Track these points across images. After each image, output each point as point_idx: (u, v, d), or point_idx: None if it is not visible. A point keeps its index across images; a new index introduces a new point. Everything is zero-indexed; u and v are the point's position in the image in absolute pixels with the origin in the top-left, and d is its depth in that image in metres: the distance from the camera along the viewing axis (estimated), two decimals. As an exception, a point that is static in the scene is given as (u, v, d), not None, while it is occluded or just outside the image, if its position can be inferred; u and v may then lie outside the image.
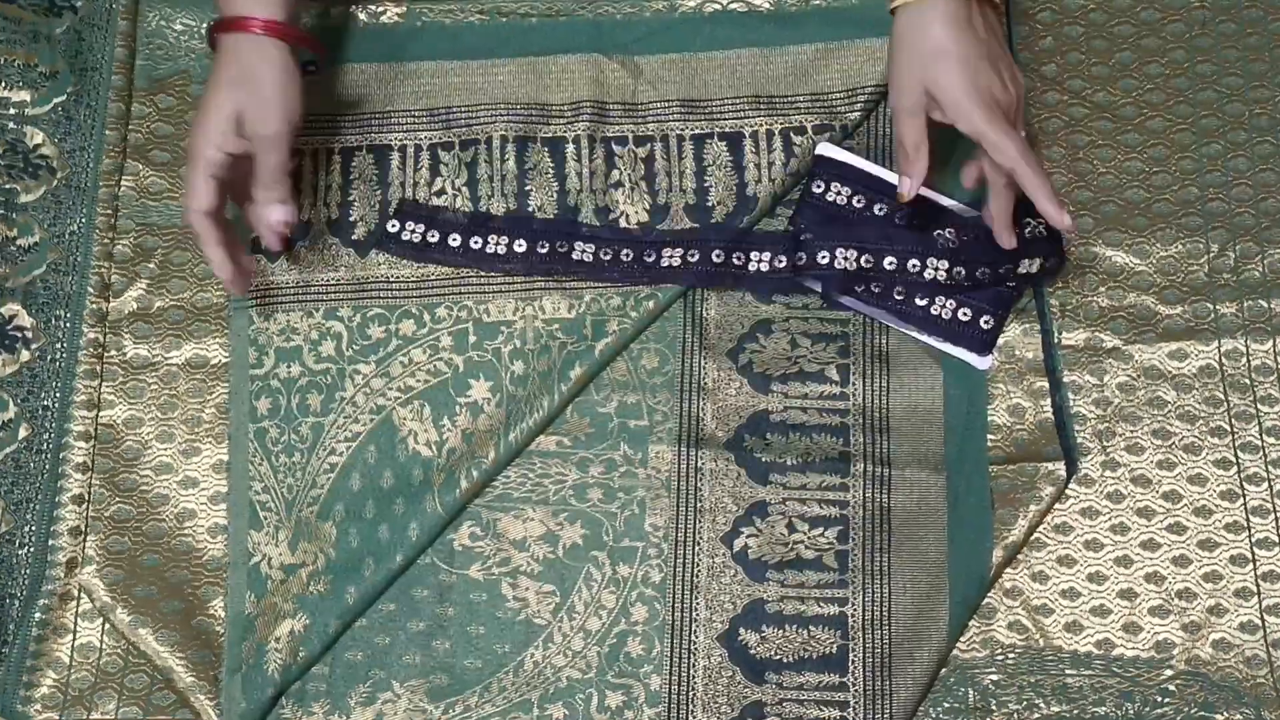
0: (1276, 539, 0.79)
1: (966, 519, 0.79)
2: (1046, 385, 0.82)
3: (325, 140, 0.85)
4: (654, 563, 0.79)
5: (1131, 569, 0.79)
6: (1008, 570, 0.79)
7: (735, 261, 0.82)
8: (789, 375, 0.82)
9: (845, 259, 0.81)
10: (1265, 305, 0.83)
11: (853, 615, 0.78)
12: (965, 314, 0.82)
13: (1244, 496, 0.80)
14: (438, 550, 0.79)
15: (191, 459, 0.81)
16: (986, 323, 0.82)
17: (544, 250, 0.83)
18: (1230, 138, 0.86)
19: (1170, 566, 0.79)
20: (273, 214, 0.78)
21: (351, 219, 0.84)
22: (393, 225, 0.84)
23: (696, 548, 0.80)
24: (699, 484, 0.81)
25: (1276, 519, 0.79)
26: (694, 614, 0.78)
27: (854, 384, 0.82)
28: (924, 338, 0.82)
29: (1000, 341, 0.83)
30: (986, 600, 0.79)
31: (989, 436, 0.81)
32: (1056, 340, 0.83)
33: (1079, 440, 0.81)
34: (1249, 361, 0.82)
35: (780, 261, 0.82)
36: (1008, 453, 0.81)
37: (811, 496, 0.80)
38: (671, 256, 0.82)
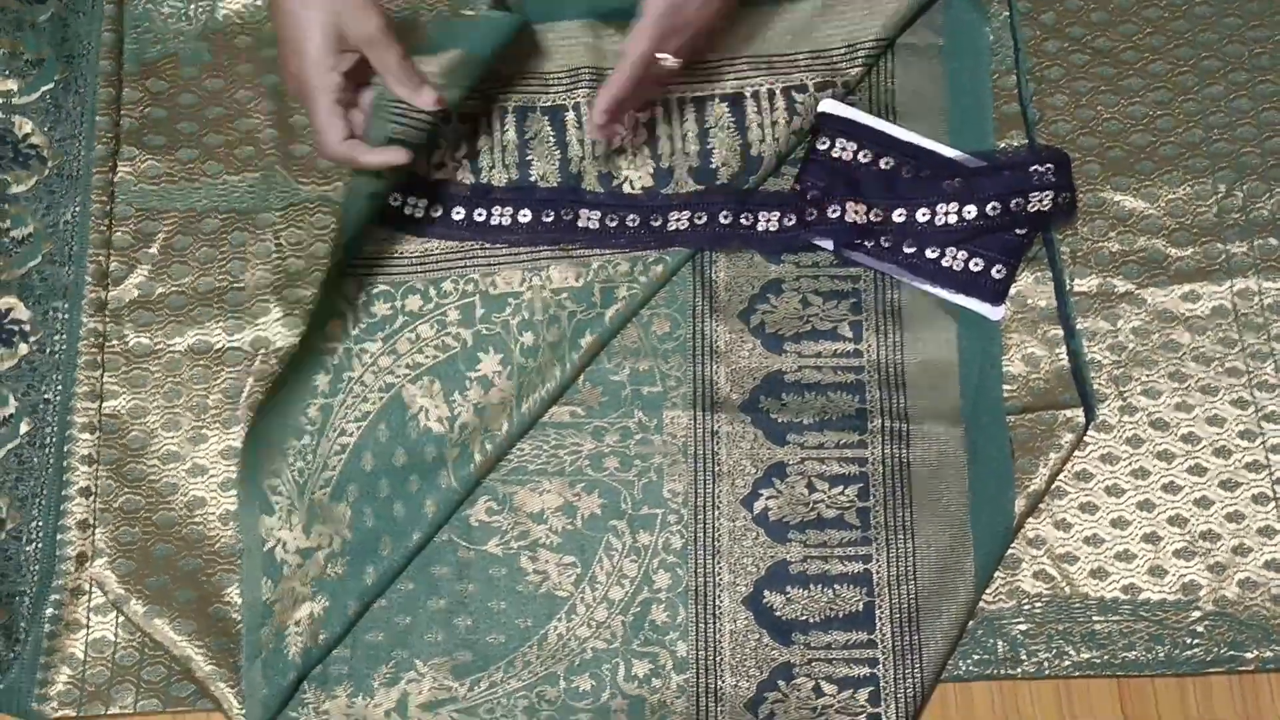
0: (1297, 476, 0.79)
1: (987, 470, 0.78)
2: (1060, 333, 0.81)
3: None
4: (674, 529, 0.78)
5: (1154, 513, 0.78)
6: (1030, 519, 0.79)
7: (744, 221, 0.81)
8: (801, 334, 0.81)
9: (855, 212, 0.80)
10: (1275, 243, 0.82)
11: (877, 572, 0.77)
12: (977, 264, 0.81)
13: (1263, 435, 0.79)
14: (455, 527, 0.78)
15: (199, 446, 0.80)
16: (998, 272, 0.81)
17: (549, 219, 0.82)
18: (1232, 78, 0.86)
19: (1193, 508, 0.78)
20: (423, 100, 0.74)
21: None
22: (394, 200, 0.83)
23: (716, 512, 0.79)
24: (716, 448, 0.80)
25: (1296, 456, 0.79)
26: (717, 578, 0.78)
27: (867, 340, 0.81)
28: (936, 290, 0.81)
29: (1012, 291, 0.82)
30: (1011, 550, 0.78)
31: (1005, 386, 0.80)
32: (1069, 287, 0.82)
33: (1095, 386, 0.81)
34: (1261, 300, 0.82)
35: (790, 219, 0.81)
36: (1025, 402, 0.80)
37: (830, 455, 0.79)
38: (679, 220, 0.81)
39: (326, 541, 0.77)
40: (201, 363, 0.81)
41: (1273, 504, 0.78)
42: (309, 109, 0.73)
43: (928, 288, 0.82)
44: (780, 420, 0.80)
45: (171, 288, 0.82)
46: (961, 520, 0.77)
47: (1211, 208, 0.83)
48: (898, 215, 0.81)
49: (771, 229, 0.81)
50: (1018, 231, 0.81)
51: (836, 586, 0.77)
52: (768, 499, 0.79)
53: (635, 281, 0.80)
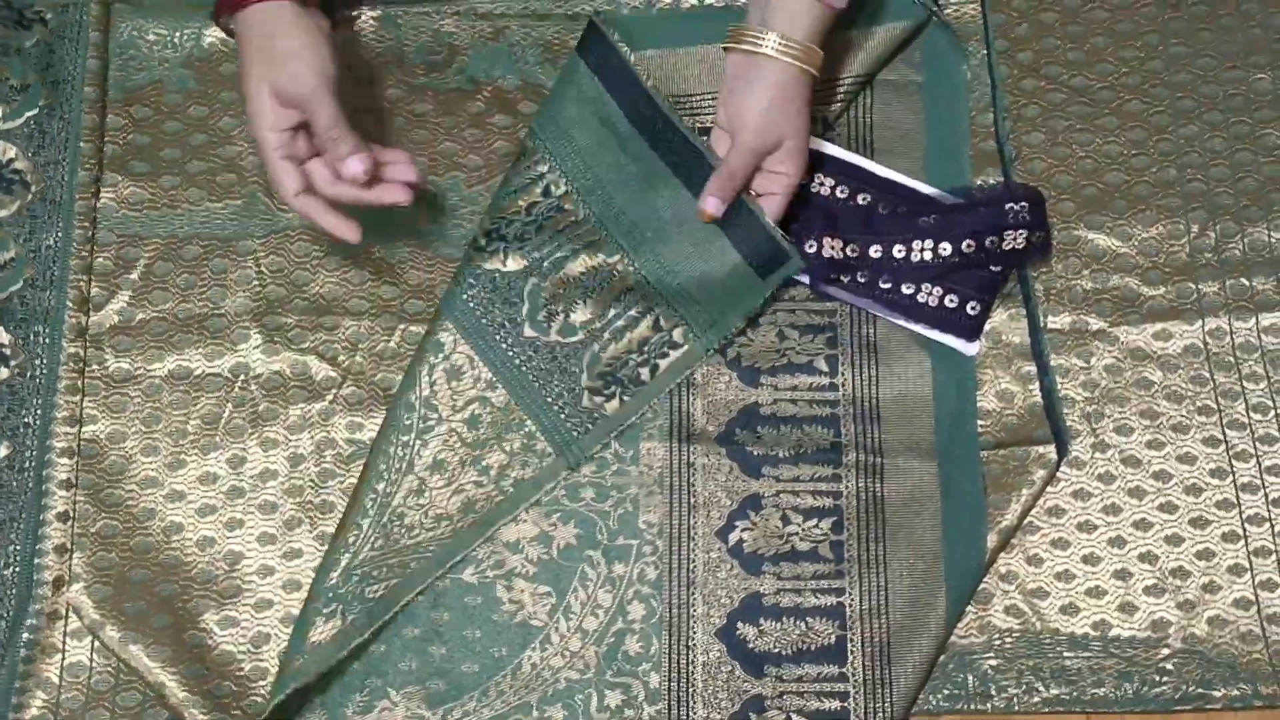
0: (1267, 514, 0.79)
1: (960, 505, 0.79)
2: (1034, 369, 0.82)
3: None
4: (649, 560, 0.79)
5: (1125, 549, 0.79)
6: (1002, 555, 0.79)
7: None
8: (778, 368, 0.82)
9: (832, 248, 0.81)
10: (1246, 283, 0.83)
11: (850, 605, 0.78)
12: (952, 300, 0.82)
13: (1233, 473, 0.80)
14: (431, 555, 0.79)
15: (177, 472, 0.80)
16: (973, 309, 0.82)
17: None
18: (1206, 119, 0.87)
19: (1163, 545, 0.79)
20: (347, 169, 0.75)
21: None
22: None
23: (691, 543, 0.79)
24: (692, 479, 0.80)
25: (1266, 495, 0.80)
26: (691, 610, 0.78)
27: (843, 374, 0.82)
28: (911, 325, 0.82)
29: (987, 327, 0.83)
30: (982, 585, 0.79)
31: (979, 422, 0.81)
32: (1042, 324, 0.83)
33: (1068, 423, 0.81)
34: (1233, 339, 0.83)
35: None
36: (998, 438, 0.81)
37: (804, 488, 0.80)
38: None
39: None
40: (181, 388, 0.81)
41: (1242, 542, 0.79)
42: (263, 163, 0.75)
43: (903, 323, 0.82)
44: (756, 453, 0.80)
45: (152, 314, 0.83)
46: (934, 555, 0.78)
47: (1184, 247, 0.84)
48: (874, 251, 0.82)
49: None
50: (993, 268, 0.82)
51: (809, 619, 0.77)
52: (742, 531, 0.79)
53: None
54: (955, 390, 0.82)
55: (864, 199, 0.84)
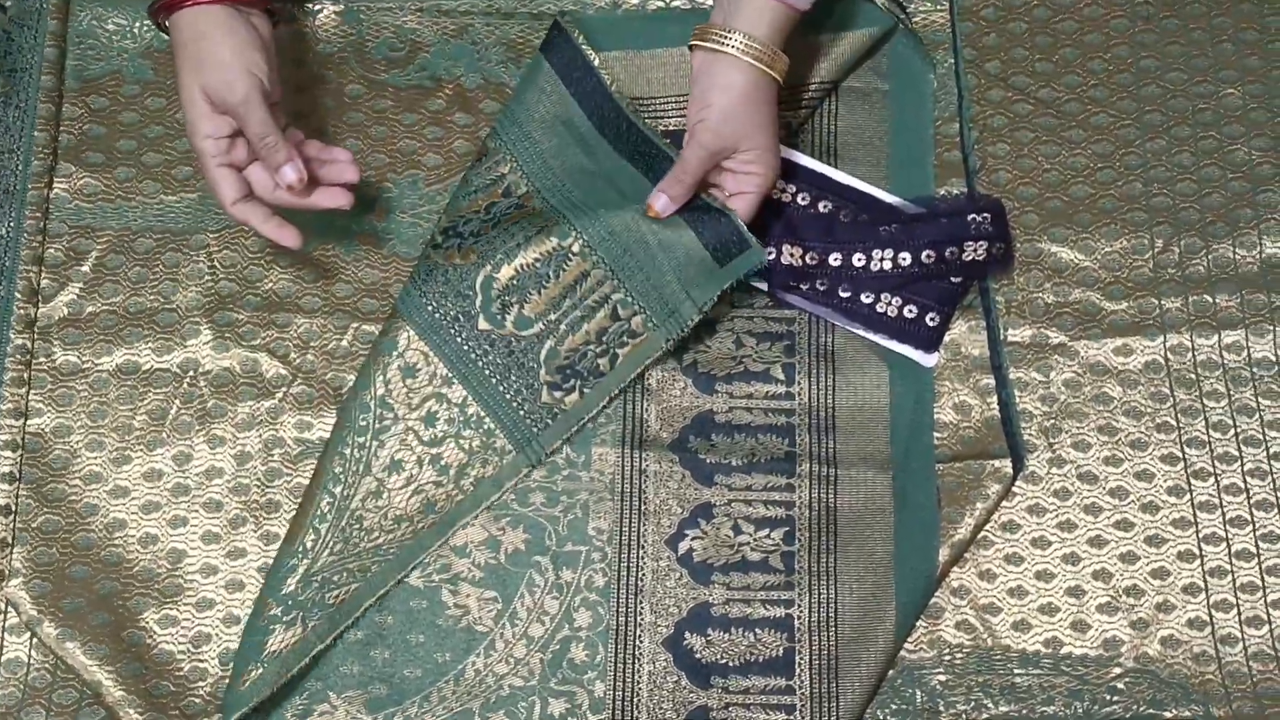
0: (1224, 534, 0.79)
1: (913, 518, 0.78)
2: (993, 382, 0.81)
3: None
4: (598, 567, 0.78)
5: (1079, 566, 0.78)
6: (955, 569, 0.78)
7: None
8: (734, 375, 0.81)
9: (791, 255, 0.80)
10: (1210, 300, 0.82)
11: (799, 618, 0.77)
12: (911, 311, 0.81)
13: (1191, 492, 0.79)
14: (376, 557, 0.78)
15: (122, 467, 0.79)
16: (932, 320, 0.81)
17: None
18: (1174, 133, 0.86)
19: (1118, 563, 0.78)
20: (283, 178, 0.74)
21: None
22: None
23: (641, 551, 0.78)
24: (643, 486, 0.79)
25: (1224, 514, 0.79)
26: (639, 618, 0.77)
27: (799, 383, 0.81)
28: (870, 335, 0.81)
29: (946, 339, 0.82)
30: (934, 600, 0.78)
31: (935, 434, 0.80)
32: (1002, 337, 0.82)
33: (1026, 437, 0.80)
34: (1194, 356, 0.82)
35: None
36: (954, 450, 0.80)
37: (757, 497, 0.79)
38: None
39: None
40: (129, 383, 0.80)
41: (1198, 561, 0.78)
42: (202, 170, 0.74)
43: (862, 332, 0.82)
44: (709, 461, 0.80)
45: (102, 306, 0.82)
46: (885, 568, 0.77)
47: (1148, 262, 0.83)
48: (833, 259, 0.81)
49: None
50: (953, 280, 0.81)
51: (757, 631, 0.77)
52: (693, 540, 0.78)
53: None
54: (913, 402, 0.81)
55: (825, 207, 0.83)
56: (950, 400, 0.81)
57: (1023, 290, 0.83)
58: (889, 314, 0.81)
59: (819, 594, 0.77)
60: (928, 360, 0.81)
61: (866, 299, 0.81)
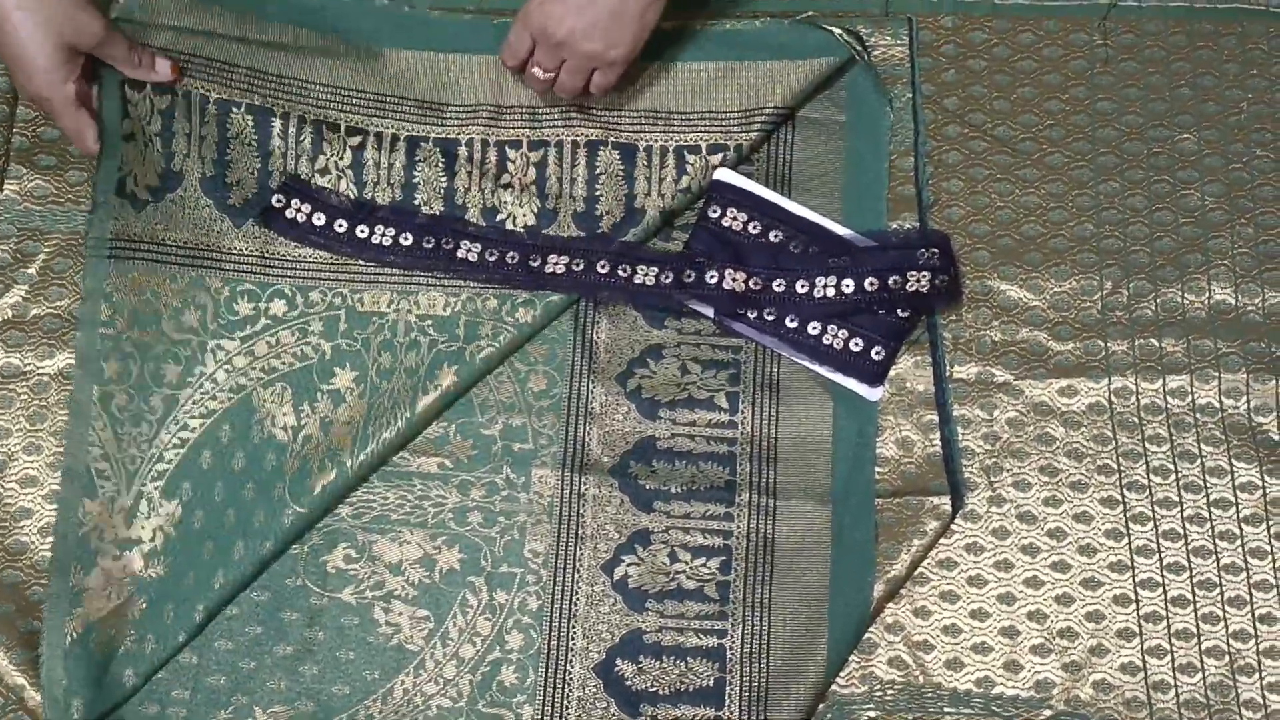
0: (1160, 580, 0.78)
1: (850, 552, 0.78)
2: (936, 418, 0.81)
3: (201, 85, 0.83)
4: (532, 589, 0.78)
5: (1014, 606, 0.78)
6: (889, 605, 0.78)
7: (620, 273, 0.81)
8: (678, 402, 0.81)
9: (734, 280, 0.80)
10: (1156, 344, 0.83)
11: (731, 648, 0.77)
12: (857, 344, 0.81)
13: (1129, 536, 0.79)
14: (309, 572, 0.77)
15: (58, 471, 0.78)
16: (878, 354, 0.81)
17: (429, 245, 0.82)
18: (1128, 176, 0.86)
19: (1053, 605, 0.78)
20: (160, 73, 0.80)
21: (228, 180, 0.83)
22: (277, 200, 0.83)
23: (576, 575, 0.78)
24: (581, 510, 0.79)
25: (1161, 559, 0.79)
26: (571, 643, 0.77)
27: (743, 412, 0.81)
28: (815, 367, 0.81)
29: (891, 373, 0.82)
30: (867, 635, 0.77)
31: (877, 469, 0.80)
32: (948, 373, 0.82)
33: (966, 475, 0.80)
34: (1138, 400, 0.82)
35: (667, 277, 0.81)
36: (894, 485, 0.80)
37: (695, 526, 0.79)
38: (556, 264, 0.81)
39: (149, 537, 0.76)
40: (70, 387, 0.80)
41: (1134, 606, 0.78)
42: (56, 120, 0.78)
43: (807, 363, 0.81)
44: (648, 487, 0.79)
45: (46, 309, 0.81)
46: (819, 601, 0.77)
47: (1096, 304, 0.83)
48: (777, 285, 0.81)
49: (648, 283, 0.81)
50: (900, 313, 0.81)
51: (689, 660, 0.76)
52: (629, 566, 0.78)
53: (501, 321, 0.80)
54: (855, 435, 0.81)
55: (776, 236, 0.83)
56: (893, 435, 0.81)
57: (970, 327, 0.83)
58: (835, 346, 0.81)
59: (752, 625, 0.77)
60: (872, 394, 0.81)
61: (813, 330, 0.81)
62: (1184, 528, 0.79)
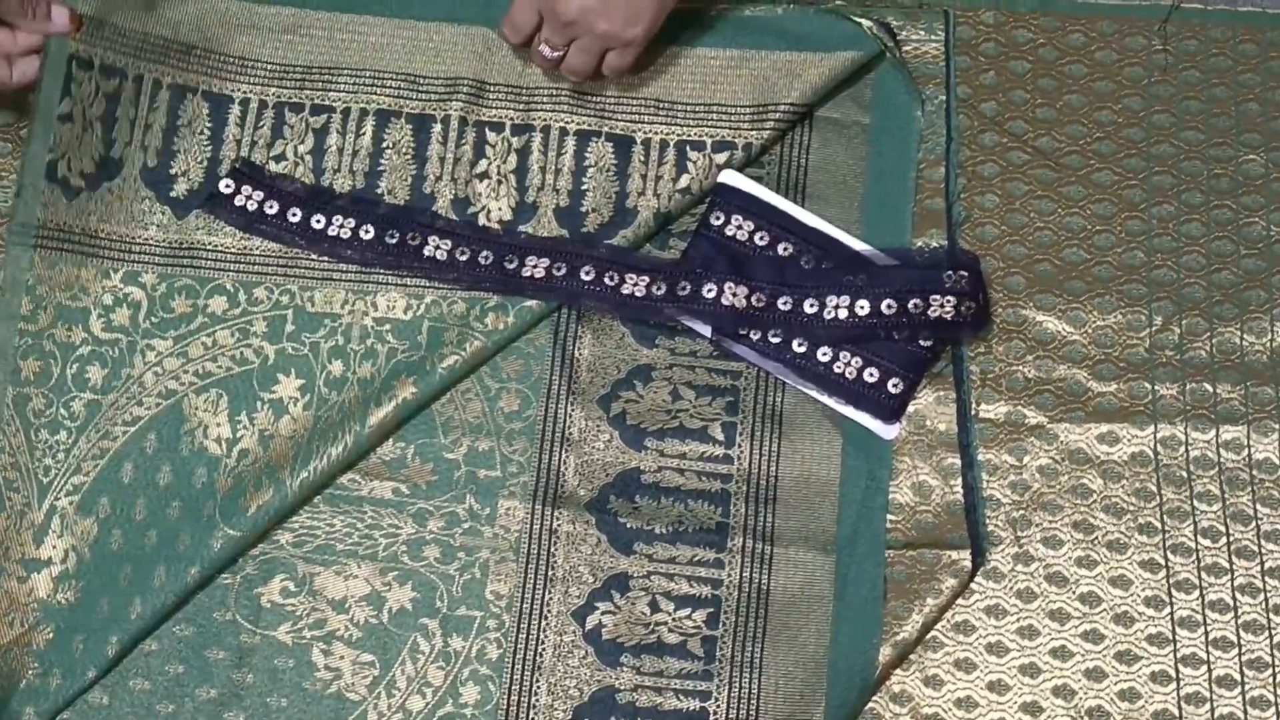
0: (1205, 656, 0.70)
1: (854, 610, 0.69)
2: (958, 462, 0.72)
3: (154, 69, 0.75)
4: (492, 636, 0.69)
5: (1038, 679, 0.69)
6: (897, 672, 0.69)
7: (607, 281, 0.72)
8: (667, 431, 0.72)
9: (734, 295, 0.71)
10: (1209, 389, 0.73)
11: (715, 712, 0.68)
12: (872, 374, 0.72)
13: (1171, 605, 0.70)
14: (241, 605, 0.69)
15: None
16: (895, 386, 0.72)
17: (393, 241, 0.73)
18: (1185, 199, 0.77)
19: (1082, 679, 0.69)
20: (58, 24, 0.73)
21: (172, 171, 0.75)
22: (225, 185, 0.74)
23: (543, 622, 0.69)
24: (553, 548, 0.70)
25: (1207, 633, 0.70)
26: (533, 699, 0.68)
27: (740, 446, 0.72)
28: (824, 398, 0.72)
29: (910, 409, 0.73)
30: (871, 705, 0.69)
31: (889, 516, 0.71)
32: (974, 412, 0.73)
33: (990, 528, 0.72)
34: (1187, 452, 0.73)
35: (659, 289, 0.72)
36: (908, 537, 0.71)
37: (680, 572, 0.70)
38: (535, 266, 0.73)
39: (60, 558, 0.68)
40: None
41: (1174, 685, 0.69)
42: None
43: (815, 394, 0.72)
44: (630, 525, 0.70)
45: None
46: (817, 663, 0.68)
47: (1143, 341, 0.74)
48: (783, 303, 0.72)
49: (637, 294, 0.72)
50: (922, 343, 0.72)
51: (667, 724, 0.68)
52: (603, 614, 0.69)
53: (469, 329, 0.72)
54: (866, 477, 0.72)
55: (785, 249, 0.74)
56: (909, 479, 0.72)
57: (1000, 361, 0.74)
58: (847, 375, 0.72)
59: (740, 687, 0.68)
60: (887, 432, 0.72)
61: (824, 356, 0.72)
62: (1234, 598, 0.70)
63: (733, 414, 0.73)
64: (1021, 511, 0.72)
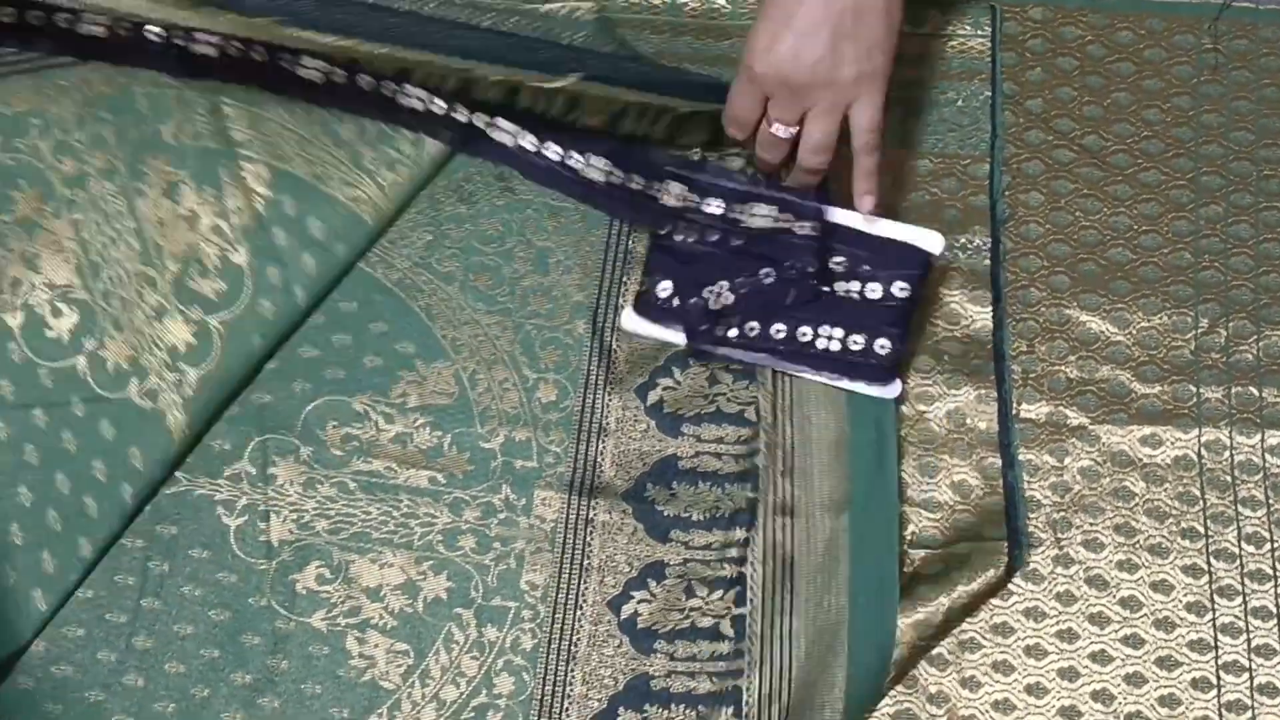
0: (1247, 663, 0.68)
1: (869, 572, 0.68)
2: (999, 462, 0.71)
3: None
4: (527, 626, 0.69)
5: (1077, 683, 0.68)
6: (935, 673, 0.68)
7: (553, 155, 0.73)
8: (704, 416, 0.72)
9: (675, 197, 0.72)
10: (1255, 393, 0.72)
11: (748, 690, 0.67)
12: (856, 342, 0.71)
13: (1214, 611, 0.69)
14: (276, 591, 0.69)
15: None
16: (882, 347, 0.71)
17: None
18: (1234, 200, 0.76)
19: (1122, 685, 0.68)
20: None
21: None
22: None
23: (579, 612, 0.69)
24: (589, 538, 0.70)
25: (1249, 640, 0.69)
26: (568, 689, 0.68)
27: (765, 424, 0.71)
28: (819, 377, 0.72)
29: (951, 407, 0.72)
30: (907, 707, 0.68)
31: (927, 516, 0.71)
32: (1014, 412, 0.73)
33: (1030, 529, 0.71)
34: (1232, 456, 0.72)
35: (616, 177, 0.73)
36: (946, 535, 0.70)
37: (715, 556, 0.69)
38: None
39: None
40: None
41: (1215, 692, 0.68)
42: None
43: (809, 375, 0.72)
44: (667, 514, 0.70)
45: None
46: (838, 625, 0.67)
47: (1189, 343, 0.74)
48: (715, 206, 0.72)
49: (593, 178, 0.72)
50: (897, 295, 0.71)
51: (700, 708, 0.67)
52: (639, 602, 0.69)
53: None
54: (873, 429, 0.71)
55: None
56: (948, 478, 0.71)
57: (1043, 361, 0.73)
58: (832, 349, 0.71)
59: (772, 663, 0.67)
60: (889, 391, 0.71)
61: (804, 336, 0.71)
62: (1277, 605, 0.69)
63: (766, 396, 0.72)
64: (1062, 513, 0.71)
